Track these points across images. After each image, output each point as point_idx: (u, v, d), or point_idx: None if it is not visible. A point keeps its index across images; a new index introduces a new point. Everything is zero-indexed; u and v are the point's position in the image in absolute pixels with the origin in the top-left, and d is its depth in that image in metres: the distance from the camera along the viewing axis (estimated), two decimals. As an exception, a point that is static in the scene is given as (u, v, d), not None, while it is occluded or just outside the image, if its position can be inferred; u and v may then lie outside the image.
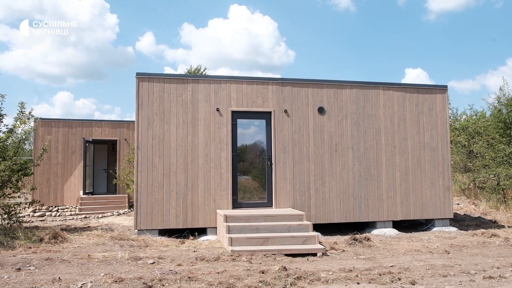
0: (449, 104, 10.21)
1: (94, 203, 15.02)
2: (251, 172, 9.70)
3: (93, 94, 58.66)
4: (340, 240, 8.33)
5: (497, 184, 13.67)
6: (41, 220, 13.18)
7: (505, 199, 13.30)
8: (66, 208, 15.29)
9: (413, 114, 10.20)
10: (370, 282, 5.18)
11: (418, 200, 10.03)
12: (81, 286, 4.88)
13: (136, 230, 8.77)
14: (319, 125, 9.71)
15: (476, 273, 5.70)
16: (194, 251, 7.19)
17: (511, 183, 12.52)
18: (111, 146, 17.24)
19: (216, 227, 8.89)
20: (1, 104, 9.32)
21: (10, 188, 9.28)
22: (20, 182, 9.66)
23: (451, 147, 12.30)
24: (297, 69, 58.02)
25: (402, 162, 10.02)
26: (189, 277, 5.22)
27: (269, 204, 9.37)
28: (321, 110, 9.73)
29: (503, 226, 10.32)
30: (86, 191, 15.46)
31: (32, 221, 12.69)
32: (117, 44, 55.10)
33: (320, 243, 7.51)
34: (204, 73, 27.05)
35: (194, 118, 9.20)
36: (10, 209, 8.97)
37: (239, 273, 5.47)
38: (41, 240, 7.75)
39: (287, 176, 9.43)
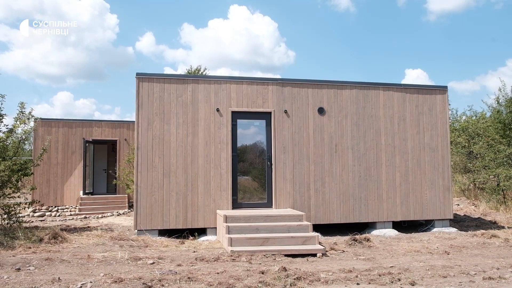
0: (449, 105, 10.22)
1: (94, 203, 15.02)
2: (251, 173, 9.70)
3: (93, 94, 58.68)
4: (340, 240, 8.33)
5: (497, 185, 13.67)
6: (41, 220, 13.18)
7: (505, 200, 13.30)
8: (66, 208, 15.30)
9: (413, 115, 10.20)
10: (370, 283, 5.18)
11: (418, 200, 10.03)
12: (81, 286, 4.88)
13: (136, 230, 8.77)
14: (319, 126, 9.71)
15: (476, 274, 5.70)
16: (194, 252, 7.19)
17: (511, 184, 12.53)
18: (111, 146, 17.24)
19: (216, 228, 8.89)
20: (1, 104, 9.32)
21: (10, 188, 9.28)
22: (20, 182, 9.66)
23: (451, 148, 12.30)
24: (297, 69, 58.08)
25: (402, 162, 10.02)
26: (188, 278, 5.22)
27: (269, 205, 9.37)
28: (321, 111, 9.73)
29: (503, 227, 10.32)
30: (86, 191, 15.46)
31: (32, 221, 12.70)
32: (117, 44, 55.14)
33: (320, 243, 7.51)
34: (204, 73, 27.05)
35: (194, 119, 9.20)
36: (10, 209, 8.96)
37: (238, 274, 5.47)
38: (40, 240, 7.75)
39: (287, 177, 9.43)
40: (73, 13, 39.99)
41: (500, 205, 13.04)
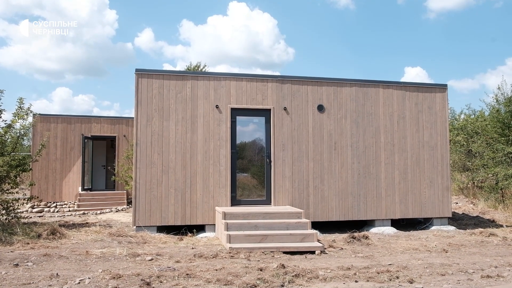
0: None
1: (93, 199, 15.01)
2: (250, 170, 9.69)
3: (92, 90, 58.63)
4: (339, 238, 8.34)
5: (496, 183, 13.68)
6: (40, 216, 13.17)
7: (503, 198, 13.32)
8: (64, 204, 15.28)
9: (412, 113, 10.19)
10: (368, 280, 5.18)
11: (417, 198, 10.03)
12: (79, 282, 4.87)
13: (135, 227, 8.76)
14: (319, 123, 9.70)
15: (474, 272, 5.71)
16: (193, 248, 7.19)
17: (509, 183, 12.54)
18: (110, 143, 17.21)
19: (215, 224, 8.88)
20: (0, 99, 9.29)
21: (9, 183, 9.26)
22: (18, 178, 9.65)
23: (450, 146, 12.29)
24: (296, 67, 58.04)
25: (401, 160, 10.02)
26: (187, 274, 5.22)
27: (267, 202, 9.37)
28: (320, 108, 9.71)
29: (501, 226, 10.34)
30: (85, 187, 15.45)
31: (30, 217, 12.68)
32: (116, 40, 54.99)
33: (318, 241, 7.51)
34: (203, 70, 27.02)
35: (193, 115, 9.17)
36: (8, 204, 8.95)
37: (237, 271, 5.47)
38: (39, 236, 7.75)
39: (286, 174, 9.42)
40: (72, 8, 39.86)
41: (499, 204, 13.06)
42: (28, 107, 9.60)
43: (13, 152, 9.52)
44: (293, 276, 5.23)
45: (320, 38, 54.76)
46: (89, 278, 5.01)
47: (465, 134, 16.65)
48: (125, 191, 15.61)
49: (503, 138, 13.55)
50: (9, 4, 42.60)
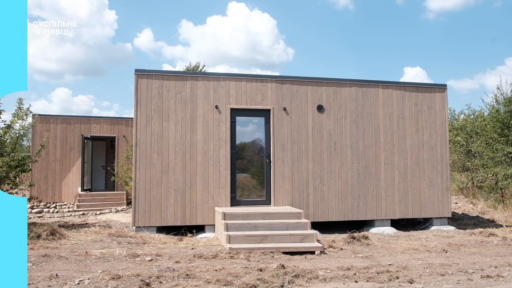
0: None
1: (92, 199, 15.00)
2: (250, 170, 9.69)
3: (92, 90, 58.58)
4: (338, 238, 8.33)
5: (495, 183, 13.69)
6: (39, 217, 13.17)
7: (503, 198, 13.32)
8: (64, 204, 15.27)
9: (412, 113, 10.19)
10: (368, 281, 5.18)
11: (417, 199, 10.03)
12: (79, 283, 4.86)
13: (134, 227, 8.75)
14: (318, 123, 9.69)
15: (474, 272, 5.70)
16: (192, 249, 7.18)
17: (509, 183, 12.54)
18: (109, 143, 17.21)
19: (215, 225, 8.88)
20: (-1, 100, 9.29)
21: (8, 184, 9.25)
22: (18, 178, 9.63)
23: (449, 146, 12.29)
24: (296, 67, 57.98)
25: (401, 160, 10.02)
26: (186, 275, 5.21)
27: (267, 202, 9.36)
28: (320, 108, 9.71)
29: (501, 225, 10.34)
30: (84, 188, 15.43)
31: (30, 218, 12.67)
32: (115, 40, 54.95)
33: (318, 241, 7.51)
34: (203, 70, 27.03)
35: (193, 115, 9.17)
36: (8, 205, 8.93)
37: (237, 271, 5.46)
38: (38, 236, 7.74)
39: (285, 174, 9.41)
40: (71, 9, 39.85)
41: (498, 204, 13.06)
42: (28, 108, 9.59)
43: (12, 152, 9.51)
44: (293, 276, 5.22)
45: (319, 38, 54.78)
46: (88, 279, 5.00)
47: (464, 134, 16.64)
48: (124, 192, 15.60)
49: (502, 138, 13.55)
50: (9, 4, 42.49)
